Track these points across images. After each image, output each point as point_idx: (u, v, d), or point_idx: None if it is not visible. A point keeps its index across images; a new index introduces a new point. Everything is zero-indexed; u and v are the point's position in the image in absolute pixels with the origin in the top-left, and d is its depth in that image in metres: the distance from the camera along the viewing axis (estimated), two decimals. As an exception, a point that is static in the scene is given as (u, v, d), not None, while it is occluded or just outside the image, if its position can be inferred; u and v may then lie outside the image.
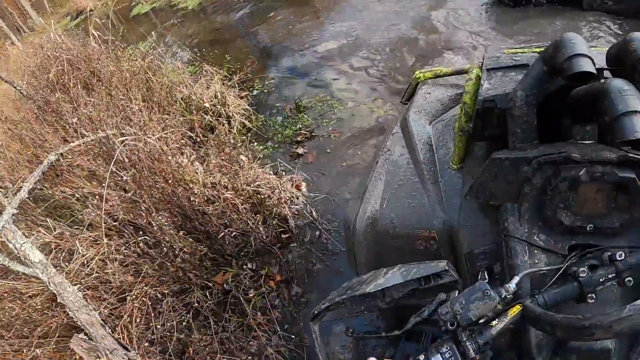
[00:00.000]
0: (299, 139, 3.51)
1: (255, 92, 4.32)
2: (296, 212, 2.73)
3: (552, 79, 1.01)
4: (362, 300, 1.02)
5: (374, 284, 0.97)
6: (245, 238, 2.49)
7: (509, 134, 1.07)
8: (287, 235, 2.65)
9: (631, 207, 0.96)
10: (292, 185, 2.95)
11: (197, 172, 2.61)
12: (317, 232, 2.68)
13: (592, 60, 0.94)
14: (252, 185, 2.63)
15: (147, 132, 2.65)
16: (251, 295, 2.40)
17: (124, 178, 2.15)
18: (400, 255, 1.39)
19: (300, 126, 3.65)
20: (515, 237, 1.01)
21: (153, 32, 6.67)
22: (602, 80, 0.97)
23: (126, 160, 2.39)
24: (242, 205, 2.43)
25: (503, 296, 0.82)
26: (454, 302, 0.81)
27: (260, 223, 2.51)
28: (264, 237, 2.50)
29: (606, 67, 1.10)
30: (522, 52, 1.47)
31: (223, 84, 4.00)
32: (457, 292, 0.88)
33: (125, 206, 2.21)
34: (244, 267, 2.49)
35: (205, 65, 4.19)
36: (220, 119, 3.67)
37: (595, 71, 0.91)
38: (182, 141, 3.04)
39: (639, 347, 0.93)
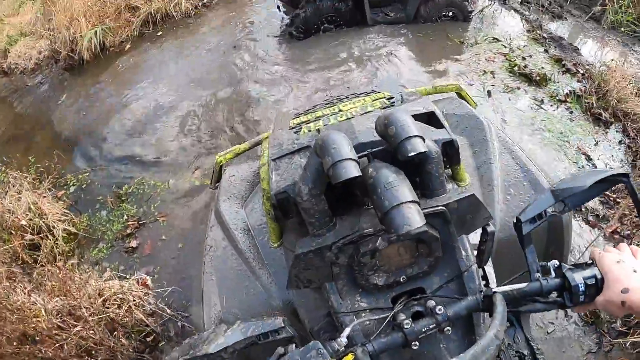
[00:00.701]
0: (129, 231, 3.62)
1: (72, 189, 4.24)
2: (151, 312, 2.92)
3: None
4: (206, 357, 1.05)
5: (215, 344, 1.02)
6: (113, 357, 2.62)
7: (306, 223, 1.11)
8: (152, 336, 2.82)
9: (432, 251, 1.07)
10: (139, 283, 3.13)
11: (37, 304, 2.66)
12: (179, 323, 2.90)
13: (356, 160, 1.00)
14: (98, 301, 2.76)
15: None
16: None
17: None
18: None
19: (127, 217, 3.75)
20: (341, 311, 1.07)
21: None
22: (369, 172, 1.02)
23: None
24: (95, 330, 2.58)
25: (336, 349, 0.91)
26: (291, 358, 0.88)
27: (121, 337, 2.67)
28: (130, 349, 2.67)
29: (374, 139, 1.18)
30: (306, 121, 1.57)
31: (34, 191, 3.92)
32: (294, 345, 0.95)
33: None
34: (124, 386, 2.62)
35: (10, 172, 4.04)
36: (42, 233, 3.62)
37: (359, 173, 0.98)
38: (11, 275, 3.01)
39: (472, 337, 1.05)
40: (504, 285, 1.01)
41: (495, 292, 0.97)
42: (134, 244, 3.53)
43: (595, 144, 4.15)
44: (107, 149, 4.64)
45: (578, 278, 0.94)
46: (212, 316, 1.44)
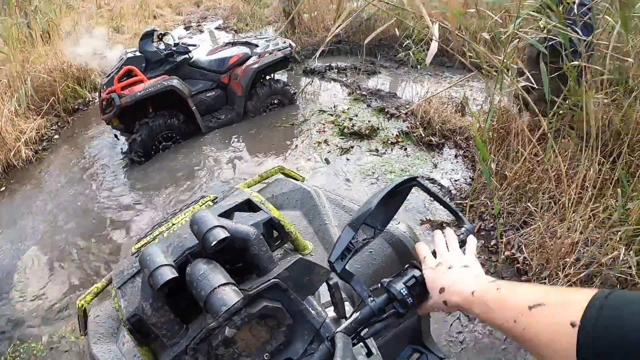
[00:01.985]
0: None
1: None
2: None
3: None
4: None
5: None
6: None
7: (160, 337, 1.12)
8: None
9: (280, 322, 1.10)
10: None
11: None
12: None
13: (172, 265, 1.05)
14: None
15: None
16: None
17: None
18: None
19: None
20: None
21: None
22: (188, 271, 1.08)
23: None
24: None
25: None
26: None
27: None
28: None
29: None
30: (145, 244, 1.58)
31: None
32: None
33: None
34: None
35: None
36: None
37: (175, 274, 1.02)
38: None
39: None
40: (345, 322, 1.04)
41: (336, 332, 1.00)
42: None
43: (435, 167, 4.73)
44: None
45: (399, 285, 0.99)
46: None
